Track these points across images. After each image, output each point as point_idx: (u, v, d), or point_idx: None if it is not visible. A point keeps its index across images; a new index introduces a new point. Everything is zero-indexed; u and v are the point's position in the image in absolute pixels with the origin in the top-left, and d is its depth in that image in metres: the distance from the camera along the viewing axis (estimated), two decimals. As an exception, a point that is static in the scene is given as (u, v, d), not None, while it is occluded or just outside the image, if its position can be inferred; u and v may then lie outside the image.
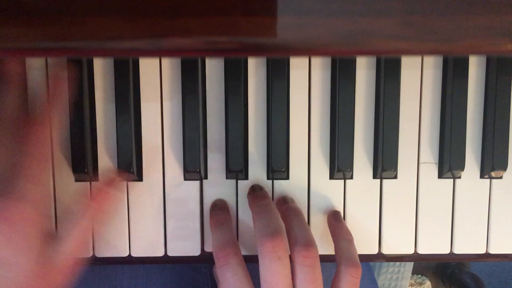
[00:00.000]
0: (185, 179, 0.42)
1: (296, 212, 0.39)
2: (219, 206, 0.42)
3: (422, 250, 0.43)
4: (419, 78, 0.41)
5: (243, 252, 0.42)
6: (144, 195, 0.42)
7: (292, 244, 0.37)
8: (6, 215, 0.33)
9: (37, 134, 0.36)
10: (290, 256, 0.37)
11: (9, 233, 0.33)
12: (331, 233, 0.41)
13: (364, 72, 0.41)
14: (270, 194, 0.42)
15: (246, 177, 0.42)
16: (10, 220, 0.33)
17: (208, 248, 0.43)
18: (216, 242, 0.38)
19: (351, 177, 0.42)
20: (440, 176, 0.42)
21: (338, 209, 0.42)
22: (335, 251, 0.39)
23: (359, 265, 0.37)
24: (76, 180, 0.41)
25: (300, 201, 0.42)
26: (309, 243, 0.36)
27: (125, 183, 0.41)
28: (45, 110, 0.38)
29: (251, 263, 0.38)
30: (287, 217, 0.39)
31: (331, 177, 0.42)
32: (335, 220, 0.41)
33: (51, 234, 0.36)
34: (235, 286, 0.36)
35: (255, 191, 0.41)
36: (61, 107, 0.38)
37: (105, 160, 0.41)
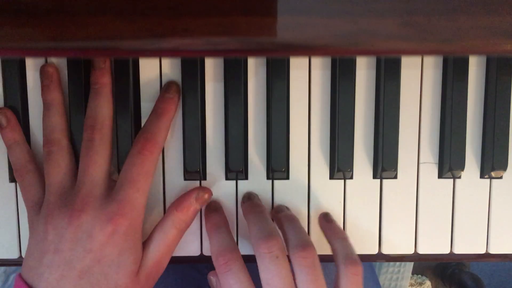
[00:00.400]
0: (185, 179, 0.42)
1: (291, 218, 0.39)
2: (214, 208, 0.41)
3: (422, 250, 0.43)
4: (419, 78, 0.41)
5: (243, 252, 0.42)
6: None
7: (289, 248, 0.37)
8: (119, 219, 0.36)
9: (151, 152, 0.38)
10: (290, 259, 0.37)
11: (120, 236, 0.36)
12: (325, 235, 0.41)
13: (364, 72, 0.41)
14: (270, 194, 0.42)
15: (246, 177, 0.42)
16: (122, 223, 0.36)
17: (206, 252, 0.42)
18: (216, 247, 0.38)
19: (351, 177, 0.42)
20: (440, 176, 0.42)
21: (338, 209, 0.42)
22: (332, 252, 0.39)
23: (358, 262, 0.37)
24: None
25: (300, 201, 0.42)
26: (306, 244, 0.36)
27: (208, 195, 0.41)
28: (159, 127, 0.39)
29: (252, 262, 0.38)
30: (283, 224, 0.39)
31: (331, 177, 0.42)
32: (326, 221, 0.41)
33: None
34: None
35: (250, 200, 0.41)
36: (169, 126, 0.40)
37: (105, 160, 0.41)
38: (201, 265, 0.55)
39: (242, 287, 0.36)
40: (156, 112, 0.39)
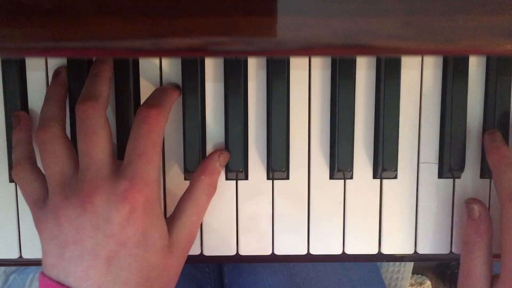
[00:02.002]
0: (185, 179, 0.42)
1: None
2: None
3: (422, 250, 0.43)
4: (419, 78, 0.41)
5: (241, 252, 0.42)
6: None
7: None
8: (134, 195, 0.34)
9: (156, 120, 0.36)
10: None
11: (139, 213, 0.34)
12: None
13: (364, 72, 0.41)
14: (270, 194, 0.42)
15: (246, 177, 0.42)
16: (138, 200, 0.34)
17: (206, 251, 0.42)
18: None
19: (351, 177, 0.42)
20: (440, 176, 0.42)
21: (338, 209, 0.42)
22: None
23: None
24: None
25: (300, 201, 0.42)
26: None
27: (227, 157, 0.40)
28: (163, 99, 0.38)
29: (255, 262, 0.38)
30: None
31: (331, 177, 0.42)
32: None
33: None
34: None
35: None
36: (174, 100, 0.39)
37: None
38: (202, 264, 0.55)
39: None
40: (162, 88, 0.39)
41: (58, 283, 0.33)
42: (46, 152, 0.36)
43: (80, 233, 0.33)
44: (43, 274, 0.35)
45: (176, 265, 0.37)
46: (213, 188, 0.39)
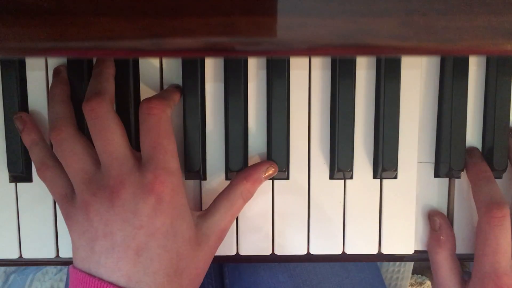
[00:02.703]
0: (185, 179, 0.42)
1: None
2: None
3: (422, 250, 0.43)
4: (419, 78, 0.41)
5: (242, 252, 0.42)
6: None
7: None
8: (159, 187, 0.34)
9: (160, 109, 0.36)
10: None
11: (166, 204, 0.34)
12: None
13: (364, 72, 0.41)
14: (270, 194, 0.42)
15: (246, 177, 0.42)
16: (163, 191, 0.34)
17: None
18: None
19: (351, 177, 0.42)
20: (439, 175, 0.42)
21: (338, 209, 0.42)
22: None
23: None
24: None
25: (300, 201, 0.42)
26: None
27: (275, 172, 0.41)
28: (163, 93, 0.39)
29: (256, 262, 0.38)
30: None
31: (331, 177, 0.42)
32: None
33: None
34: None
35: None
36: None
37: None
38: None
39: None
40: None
41: (90, 275, 0.34)
42: (65, 152, 0.37)
43: (109, 226, 0.34)
44: (74, 267, 0.35)
45: (203, 261, 0.37)
46: (251, 195, 0.40)
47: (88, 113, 0.36)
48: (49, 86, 0.40)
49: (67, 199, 0.36)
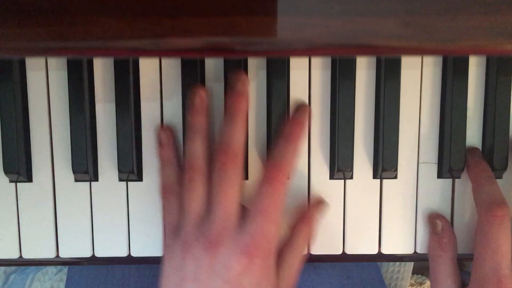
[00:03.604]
0: (185, 179, 0.42)
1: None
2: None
3: (422, 250, 0.43)
4: (419, 78, 0.41)
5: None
6: (144, 195, 0.42)
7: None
8: (254, 251, 0.36)
9: (280, 182, 0.37)
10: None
11: (256, 267, 0.36)
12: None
13: (364, 72, 0.41)
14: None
15: (246, 177, 0.42)
16: (257, 255, 0.36)
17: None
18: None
19: (351, 177, 0.42)
20: (440, 176, 0.42)
21: (338, 209, 0.42)
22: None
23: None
24: (76, 180, 0.41)
25: (300, 201, 0.42)
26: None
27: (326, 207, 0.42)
28: (291, 155, 0.39)
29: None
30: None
31: (331, 177, 0.42)
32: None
33: None
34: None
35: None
36: (298, 151, 0.39)
37: (105, 160, 0.41)
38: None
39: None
40: (287, 137, 0.39)
41: None
42: (193, 189, 0.38)
43: (200, 273, 0.35)
44: None
45: None
46: (312, 236, 0.40)
47: (219, 164, 0.37)
48: (186, 115, 0.40)
49: (174, 231, 0.38)
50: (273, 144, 0.39)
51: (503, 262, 0.37)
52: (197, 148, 0.38)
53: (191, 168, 0.38)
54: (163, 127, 0.41)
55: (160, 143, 0.40)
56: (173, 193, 0.39)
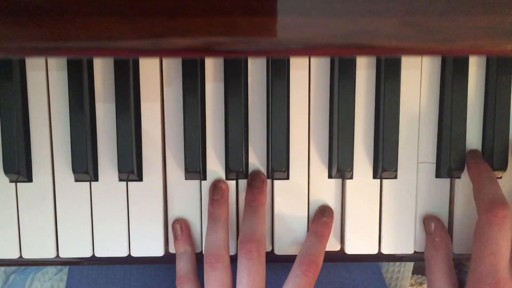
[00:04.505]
0: (186, 179, 0.42)
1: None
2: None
3: (421, 250, 0.43)
4: (419, 78, 0.41)
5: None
6: (145, 195, 0.42)
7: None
8: None
9: (314, 273, 0.39)
10: None
11: None
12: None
13: (364, 72, 0.41)
14: (270, 194, 0.42)
15: (246, 177, 0.42)
16: None
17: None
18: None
19: (351, 177, 0.42)
20: (439, 176, 0.42)
21: (338, 209, 0.42)
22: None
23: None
24: (76, 180, 0.41)
25: (300, 201, 0.42)
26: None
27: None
28: (320, 250, 0.40)
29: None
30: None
31: (331, 177, 0.42)
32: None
33: None
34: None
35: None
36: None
37: (105, 160, 0.41)
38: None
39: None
40: (317, 234, 0.41)
41: None
42: (215, 278, 0.39)
43: None
44: None
45: None
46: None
47: (244, 253, 0.38)
48: (208, 205, 0.41)
49: None
50: (307, 240, 0.41)
51: (502, 263, 0.36)
52: (219, 237, 0.40)
53: (213, 256, 0.39)
54: (178, 220, 0.42)
55: (175, 236, 0.42)
56: (189, 280, 0.41)
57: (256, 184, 0.41)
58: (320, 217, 0.41)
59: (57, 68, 0.40)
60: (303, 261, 0.39)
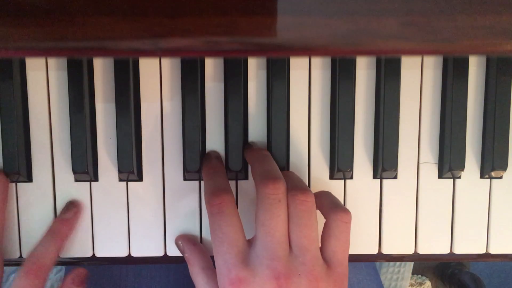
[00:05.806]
0: (185, 179, 0.42)
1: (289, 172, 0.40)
2: (215, 156, 0.41)
3: (422, 250, 0.43)
4: (419, 78, 0.41)
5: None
6: (144, 195, 0.42)
7: (288, 190, 0.36)
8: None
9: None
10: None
11: None
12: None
13: (364, 72, 0.41)
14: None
15: (246, 177, 0.42)
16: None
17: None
18: (212, 187, 0.37)
19: (351, 177, 0.42)
20: (440, 176, 0.42)
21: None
22: (317, 202, 0.38)
23: (347, 210, 0.37)
24: (76, 180, 0.41)
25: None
26: (306, 189, 0.36)
27: None
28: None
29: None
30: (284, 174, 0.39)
31: (331, 177, 0.42)
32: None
33: None
34: (230, 237, 0.35)
35: (252, 146, 0.41)
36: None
37: (105, 160, 0.41)
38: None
39: (233, 231, 0.35)
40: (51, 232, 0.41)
41: None
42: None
43: None
44: None
45: None
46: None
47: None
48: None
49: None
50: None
51: (278, 247, 0.35)
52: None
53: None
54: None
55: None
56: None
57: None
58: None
59: (57, 68, 0.40)
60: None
